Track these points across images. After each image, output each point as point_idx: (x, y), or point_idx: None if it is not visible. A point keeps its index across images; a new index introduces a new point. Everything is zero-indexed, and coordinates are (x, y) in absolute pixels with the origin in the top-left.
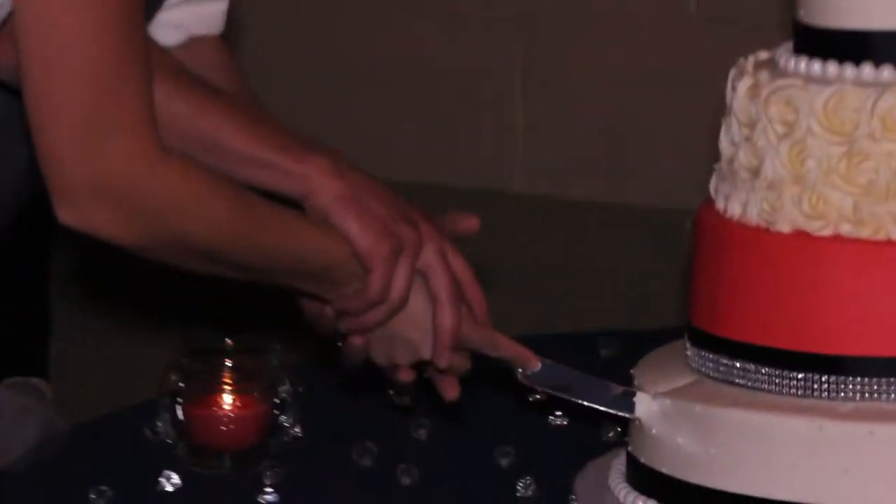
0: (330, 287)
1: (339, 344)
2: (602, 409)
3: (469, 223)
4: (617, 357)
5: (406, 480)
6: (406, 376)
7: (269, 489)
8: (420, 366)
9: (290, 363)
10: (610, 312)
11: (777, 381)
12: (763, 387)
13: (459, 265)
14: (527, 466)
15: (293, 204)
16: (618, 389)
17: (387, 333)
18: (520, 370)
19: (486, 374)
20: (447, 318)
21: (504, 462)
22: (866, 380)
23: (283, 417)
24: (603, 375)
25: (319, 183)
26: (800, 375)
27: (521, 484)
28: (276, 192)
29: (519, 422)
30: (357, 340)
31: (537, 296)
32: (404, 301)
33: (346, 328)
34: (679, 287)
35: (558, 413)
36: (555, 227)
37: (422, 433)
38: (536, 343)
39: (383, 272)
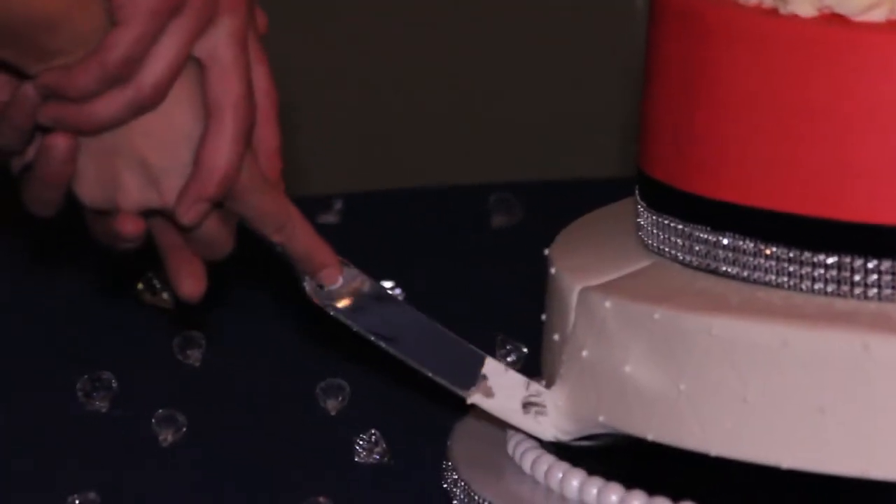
0: (43, 56)
1: (26, 169)
2: (436, 379)
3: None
4: (518, 227)
5: (166, 436)
6: (128, 226)
7: None
8: (152, 216)
9: None
10: (505, 148)
11: (792, 269)
12: (769, 279)
13: (263, 78)
14: (370, 414)
15: None
16: (466, 350)
17: (109, 146)
18: (307, 279)
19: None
20: (223, 149)
21: (332, 405)
22: None
23: None
24: (489, 259)
25: None
26: (830, 260)
27: (361, 443)
28: None
29: (355, 337)
30: (60, 142)
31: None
32: (160, 93)
33: (50, 119)
34: (623, 109)
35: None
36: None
37: (193, 356)
38: (385, 201)
39: (141, 32)
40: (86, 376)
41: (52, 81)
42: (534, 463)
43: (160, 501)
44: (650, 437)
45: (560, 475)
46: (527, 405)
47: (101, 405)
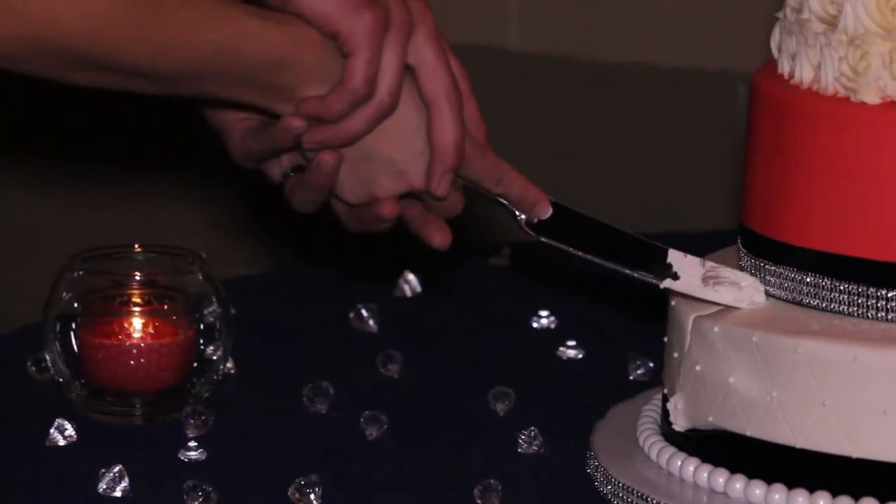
0: (280, 93)
1: (289, 175)
2: (634, 275)
3: None
4: None
5: (371, 432)
6: (389, 209)
7: (193, 443)
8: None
9: (220, 275)
10: (634, 209)
11: (861, 301)
12: (842, 309)
13: (455, 64)
14: (530, 414)
15: None
16: (650, 246)
17: (362, 153)
18: (523, 216)
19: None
20: (449, 129)
21: (500, 408)
22: None
23: (210, 348)
24: (623, 295)
25: None
26: (891, 294)
27: (523, 437)
28: None
29: (519, 354)
30: (330, 158)
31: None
32: (395, 98)
33: (315, 141)
34: (728, 176)
35: (571, 343)
36: (561, 91)
37: (392, 370)
38: (543, 247)
39: (370, 54)
40: (309, 385)
41: (312, 110)
42: (659, 452)
43: (367, 486)
44: (749, 433)
45: (679, 462)
46: (705, 279)
47: (321, 408)
